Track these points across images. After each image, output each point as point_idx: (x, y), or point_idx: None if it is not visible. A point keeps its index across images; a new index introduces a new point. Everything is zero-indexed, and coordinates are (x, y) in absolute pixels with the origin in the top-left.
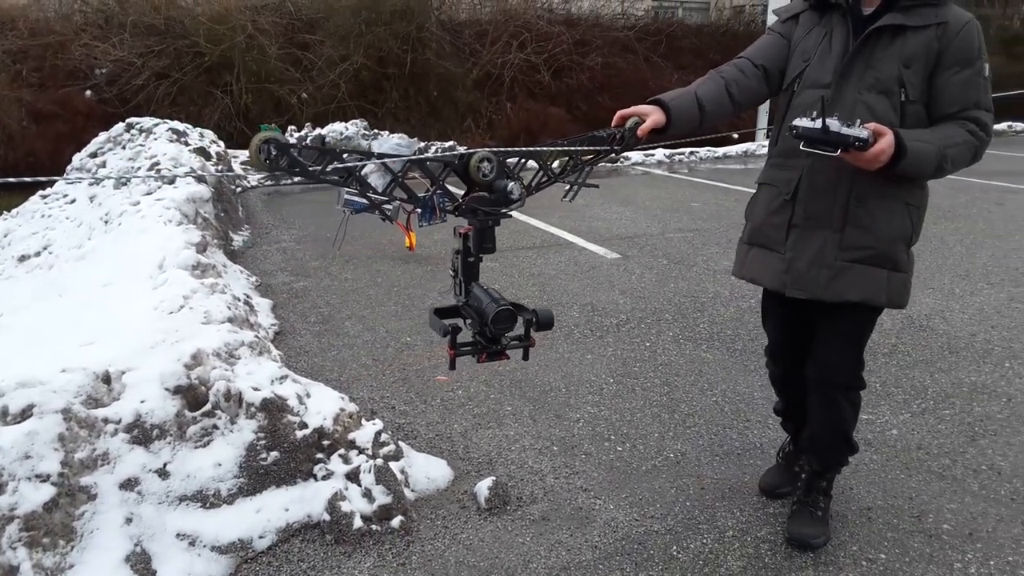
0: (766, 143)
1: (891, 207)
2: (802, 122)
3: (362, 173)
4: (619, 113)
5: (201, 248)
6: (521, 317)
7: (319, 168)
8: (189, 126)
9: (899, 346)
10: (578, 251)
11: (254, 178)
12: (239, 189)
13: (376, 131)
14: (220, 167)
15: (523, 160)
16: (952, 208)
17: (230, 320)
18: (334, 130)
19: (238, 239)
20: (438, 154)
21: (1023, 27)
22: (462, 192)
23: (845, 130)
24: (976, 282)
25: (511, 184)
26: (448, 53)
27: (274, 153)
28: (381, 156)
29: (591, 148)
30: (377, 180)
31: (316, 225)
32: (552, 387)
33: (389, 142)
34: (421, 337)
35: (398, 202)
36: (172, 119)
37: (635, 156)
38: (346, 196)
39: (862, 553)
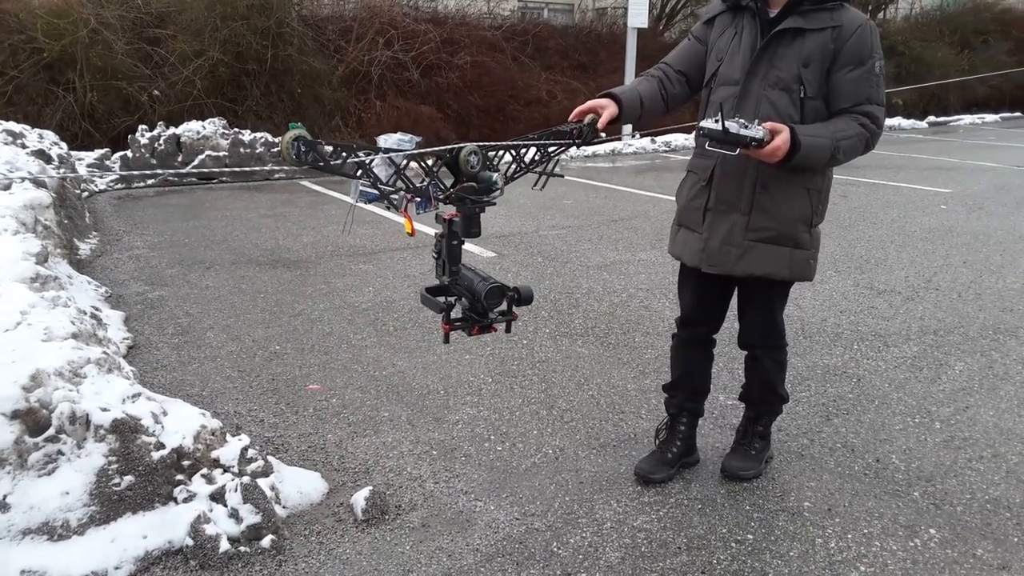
0: (632, 142)
1: (792, 193)
2: (707, 123)
3: (371, 166)
4: (578, 109)
5: (41, 259)
6: (505, 293)
7: (340, 162)
8: (27, 127)
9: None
10: None
11: (101, 181)
12: (86, 194)
13: (236, 130)
14: (62, 170)
15: (501, 153)
16: (831, 202)
17: (74, 336)
18: (190, 129)
19: (85, 247)
20: (432, 148)
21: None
22: (450, 183)
23: (743, 131)
24: (825, 270)
25: (495, 175)
26: (311, 49)
27: (303, 150)
28: (388, 151)
29: (557, 142)
30: (381, 172)
31: (173, 230)
32: (430, 390)
33: (392, 138)
34: (291, 344)
35: (403, 192)
36: (7, 120)
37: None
38: (361, 188)
39: (731, 535)
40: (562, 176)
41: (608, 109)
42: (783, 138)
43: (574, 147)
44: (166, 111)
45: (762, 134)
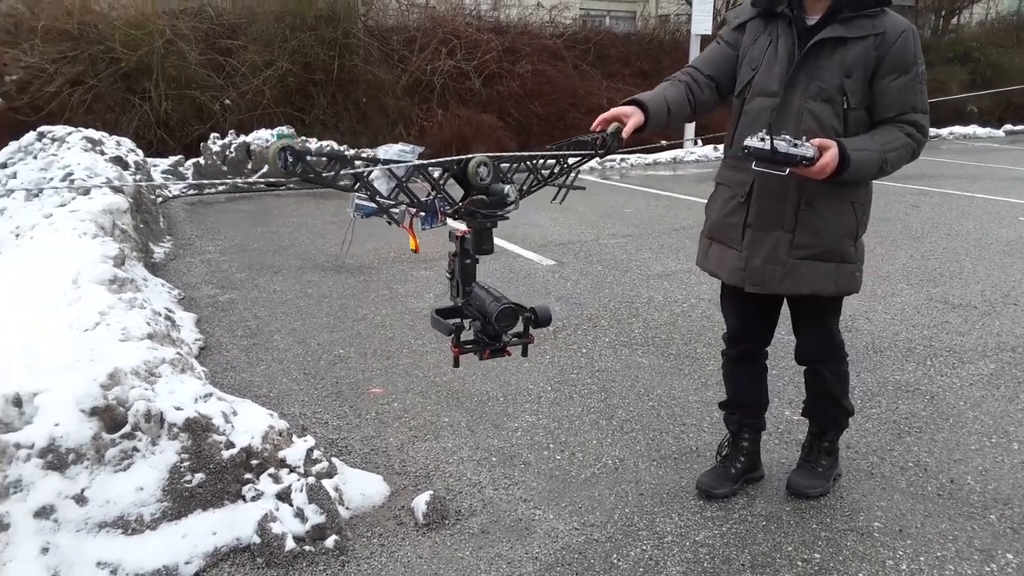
0: (694, 150)
1: (837, 207)
2: (752, 142)
3: (369, 179)
4: (601, 117)
5: (119, 261)
6: (521, 315)
7: (331, 174)
8: (105, 134)
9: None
10: (513, 258)
11: (175, 188)
12: (160, 199)
13: (303, 138)
14: (138, 176)
15: (516, 164)
16: (875, 213)
17: (150, 336)
18: (259, 138)
19: (159, 251)
20: (438, 159)
21: (933, 36)
22: (459, 196)
23: (792, 150)
24: (896, 283)
25: (507, 187)
26: (376, 59)
27: (290, 160)
28: (387, 162)
29: (578, 152)
30: (382, 185)
31: (242, 235)
32: (490, 397)
33: (393, 149)
34: (355, 349)
35: (404, 206)
36: (87, 127)
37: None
38: (357, 201)
39: (797, 553)
40: (583, 188)
41: (634, 117)
42: (832, 154)
43: (596, 158)
44: (237, 120)
45: (812, 152)
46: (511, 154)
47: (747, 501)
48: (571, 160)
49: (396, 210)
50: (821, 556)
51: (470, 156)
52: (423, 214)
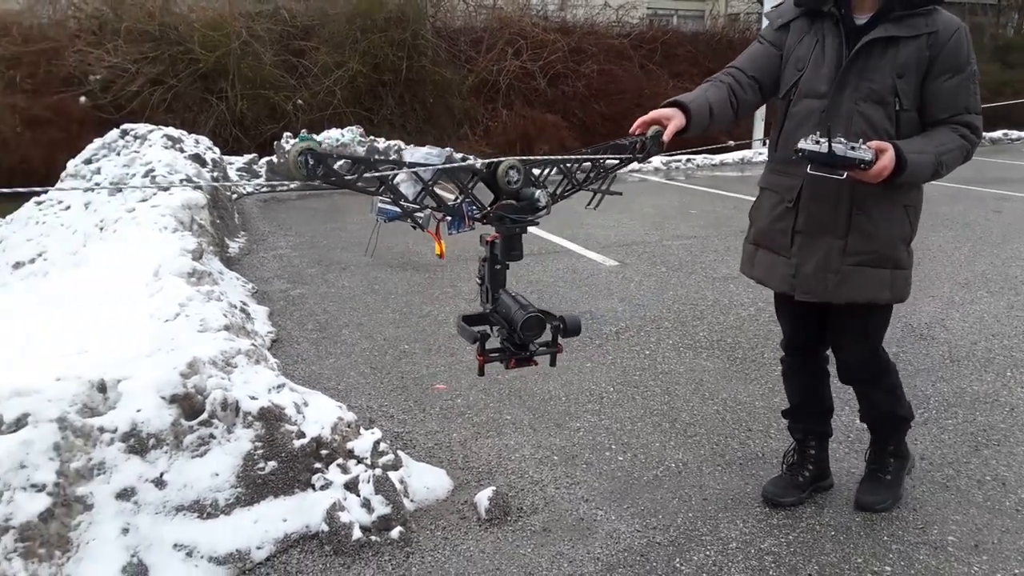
0: (763, 150)
1: (891, 211)
2: (807, 144)
3: (393, 182)
4: (640, 120)
5: (197, 255)
6: (549, 324)
7: (354, 177)
8: (184, 132)
9: (900, 355)
10: (576, 258)
11: (249, 185)
12: (235, 196)
13: (372, 138)
14: (215, 174)
15: (549, 169)
16: (950, 216)
17: (226, 328)
18: (330, 137)
19: (234, 246)
20: (465, 163)
21: (1016, 35)
22: (489, 200)
23: (851, 153)
24: (976, 290)
25: (538, 192)
26: (444, 60)
27: (311, 163)
28: (412, 165)
29: (615, 156)
30: (408, 189)
31: (313, 232)
32: (552, 396)
33: (419, 151)
34: (419, 344)
35: (429, 210)
36: (167, 125)
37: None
38: (380, 205)
39: (867, 565)
40: (620, 194)
41: (675, 120)
42: (889, 157)
43: (635, 162)
44: (308, 119)
45: (871, 156)
46: (545, 157)
47: (815, 510)
48: (608, 163)
49: (420, 214)
50: (892, 569)
51: (500, 159)
52: (449, 218)
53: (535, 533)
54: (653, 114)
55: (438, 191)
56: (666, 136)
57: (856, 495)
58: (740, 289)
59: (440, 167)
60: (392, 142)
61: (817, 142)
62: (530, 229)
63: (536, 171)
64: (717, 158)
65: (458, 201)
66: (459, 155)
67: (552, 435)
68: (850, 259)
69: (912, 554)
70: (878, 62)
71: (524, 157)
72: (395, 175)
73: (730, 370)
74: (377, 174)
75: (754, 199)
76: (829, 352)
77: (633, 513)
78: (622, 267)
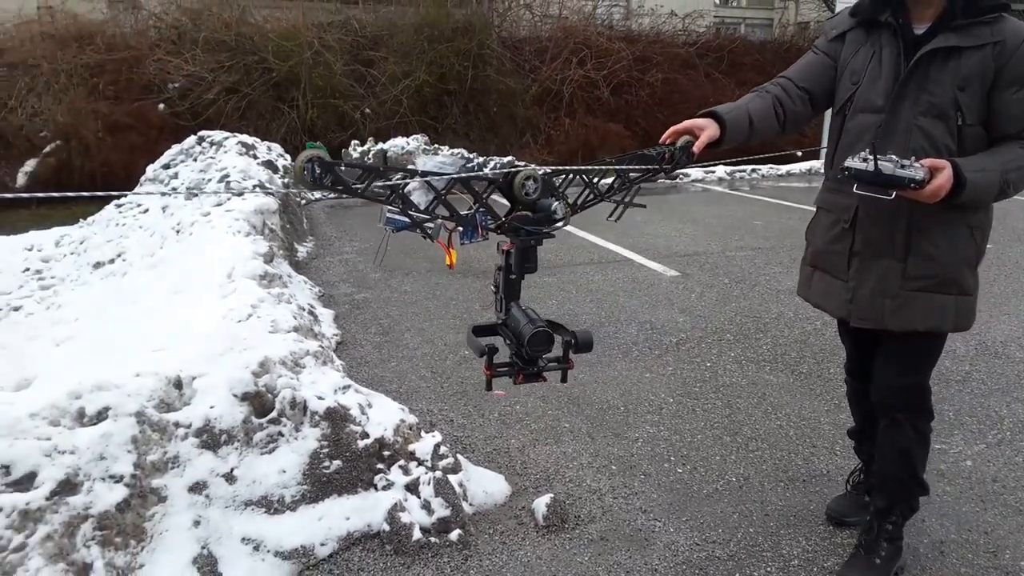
0: None
1: (954, 233)
2: (854, 163)
3: (405, 190)
4: (671, 129)
5: (268, 259)
6: (560, 338)
7: (362, 186)
8: (257, 140)
9: (973, 373)
10: (636, 268)
11: (318, 191)
12: (304, 201)
13: (436, 146)
14: (287, 180)
15: (570, 177)
16: None
17: (295, 329)
18: (396, 145)
19: (302, 250)
20: (481, 172)
21: None
22: (505, 210)
23: (899, 172)
24: None
25: (555, 203)
26: (508, 69)
27: (318, 171)
28: (425, 174)
29: (640, 167)
30: (420, 197)
31: (377, 237)
32: (610, 405)
33: (434, 159)
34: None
35: (440, 220)
36: (241, 133)
37: (695, 172)
38: (387, 214)
39: None
40: (643, 206)
41: (708, 130)
42: (945, 176)
43: (662, 173)
44: (375, 127)
45: (922, 175)
46: (567, 167)
47: None
48: (632, 175)
49: (430, 224)
50: None
51: (517, 168)
52: (461, 228)
53: (592, 542)
54: (685, 124)
55: (454, 198)
56: (697, 147)
57: (841, 572)
58: (806, 304)
59: (453, 177)
60: (455, 150)
61: (865, 160)
62: (589, 237)
63: (559, 180)
64: (783, 168)
65: (472, 211)
66: (503, 160)
67: (610, 444)
68: (911, 284)
69: None
70: (938, 74)
71: (545, 167)
72: (407, 184)
73: (794, 385)
74: (388, 183)
75: None
76: None
77: (692, 526)
78: (683, 278)
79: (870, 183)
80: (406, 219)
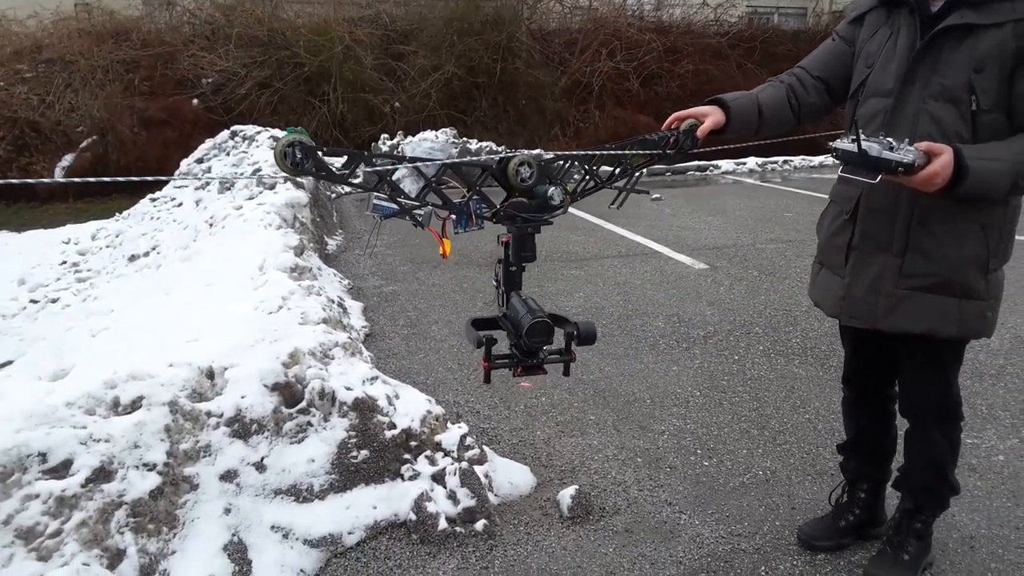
0: None
1: (961, 230)
2: (842, 143)
3: (395, 178)
4: (675, 115)
5: (299, 251)
6: (562, 330)
7: (347, 172)
8: None
9: (1007, 367)
10: (664, 260)
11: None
12: (334, 195)
13: (465, 139)
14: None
15: (568, 164)
16: None
17: (325, 321)
18: (424, 138)
19: (332, 243)
20: (472, 158)
21: None
22: (501, 198)
23: (887, 154)
24: None
25: (552, 189)
26: (537, 62)
27: (299, 156)
28: (413, 160)
29: (642, 152)
30: (411, 185)
31: (405, 231)
32: (636, 398)
33: (423, 145)
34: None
35: (430, 207)
36: (273, 127)
37: (725, 164)
38: (375, 201)
39: None
40: (647, 192)
41: (713, 116)
42: (942, 162)
43: (665, 158)
44: (404, 121)
45: (912, 157)
46: (564, 153)
47: None
48: (634, 161)
49: (420, 211)
50: None
51: (511, 155)
52: (455, 217)
53: (617, 533)
54: (690, 110)
55: (445, 188)
56: (700, 132)
57: (867, 568)
58: None
59: (443, 163)
60: (484, 143)
61: (854, 140)
62: (616, 230)
63: (557, 167)
64: (816, 159)
65: (465, 199)
66: (534, 153)
67: (636, 437)
68: (906, 282)
69: (1012, 574)
70: (951, 54)
71: (540, 152)
72: (395, 170)
73: (823, 378)
74: (374, 169)
75: None
76: (896, 389)
77: (718, 519)
78: (712, 270)
79: (856, 165)
80: (395, 206)
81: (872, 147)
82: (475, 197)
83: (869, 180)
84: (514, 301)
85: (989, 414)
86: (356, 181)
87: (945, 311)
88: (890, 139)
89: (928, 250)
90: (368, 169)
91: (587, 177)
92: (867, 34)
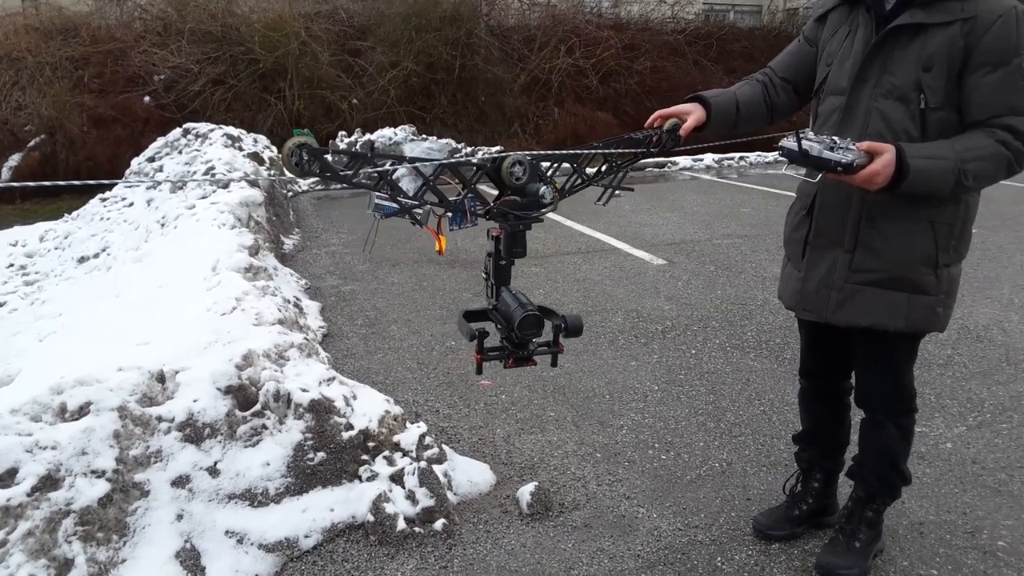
0: None
1: (908, 227)
2: (787, 142)
3: (394, 177)
4: (657, 113)
5: (253, 251)
6: (550, 323)
7: (351, 172)
8: (243, 132)
9: (955, 357)
10: (623, 256)
11: (305, 183)
12: (290, 194)
13: (424, 136)
14: (272, 172)
15: (557, 164)
16: (1014, 216)
17: (280, 322)
18: (383, 135)
19: (289, 243)
20: (468, 159)
21: None
22: (494, 196)
23: (827, 153)
24: None
25: (543, 188)
26: (496, 58)
27: (306, 158)
28: (413, 160)
29: (627, 151)
30: (409, 184)
31: (364, 229)
32: (596, 393)
33: (422, 146)
34: (465, 341)
35: (428, 206)
36: (227, 125)
37: (683, 161)
38: (376, 200)
39: (913, 569)
40: (631, 190)
41: (694, 115)
42: (883, 161)
43: (649, 156)
44: (363, 118)
45: (851, 157)
46: (553, 152)
47: None
48: (620, 158)
49: (419, 210)
50: (939, 572)
51: (504, 154)
52: (451, 215)
53: (576, 529)
54: (671, 109)
55: (443, 186)
56: (683, 131)
57: (819, 556)
58: None
59: (441, 163)
60: (444, 140)
61: (795, 139)
62: (575, 226)
63: (545, 165)
64: (772, 155)
65: (460, 197)
66: (494, 150)
67: (595, 432)
68: (856, 276)
69: (960, 558)
70: (902, 53)
71: (532, 152)
72: (395, 170)
73: (778, 371)
74: (374, 169)
75: None
76: (851, 382)
77: (675, 511)
78: (670, 266)
79: (798, 163)
80: (395, 205)
81: (813, 146)
82: (469, 195)
83: (810, 179)
84: (505, 295)
85: (937, 403)
86: (356, 180)
87: (894, 306)
88: (834, 138)
89: (876, 246)
90: (370, 169)
91: (574, 175)
92: (829, 33)
